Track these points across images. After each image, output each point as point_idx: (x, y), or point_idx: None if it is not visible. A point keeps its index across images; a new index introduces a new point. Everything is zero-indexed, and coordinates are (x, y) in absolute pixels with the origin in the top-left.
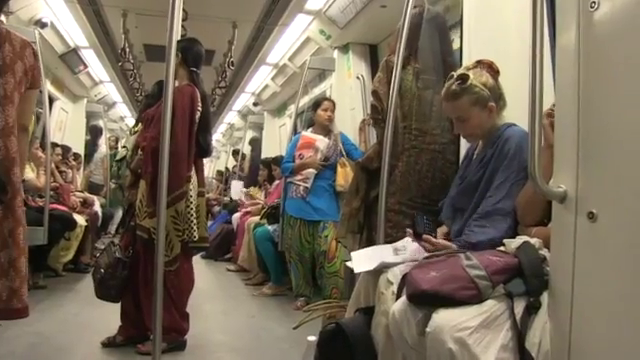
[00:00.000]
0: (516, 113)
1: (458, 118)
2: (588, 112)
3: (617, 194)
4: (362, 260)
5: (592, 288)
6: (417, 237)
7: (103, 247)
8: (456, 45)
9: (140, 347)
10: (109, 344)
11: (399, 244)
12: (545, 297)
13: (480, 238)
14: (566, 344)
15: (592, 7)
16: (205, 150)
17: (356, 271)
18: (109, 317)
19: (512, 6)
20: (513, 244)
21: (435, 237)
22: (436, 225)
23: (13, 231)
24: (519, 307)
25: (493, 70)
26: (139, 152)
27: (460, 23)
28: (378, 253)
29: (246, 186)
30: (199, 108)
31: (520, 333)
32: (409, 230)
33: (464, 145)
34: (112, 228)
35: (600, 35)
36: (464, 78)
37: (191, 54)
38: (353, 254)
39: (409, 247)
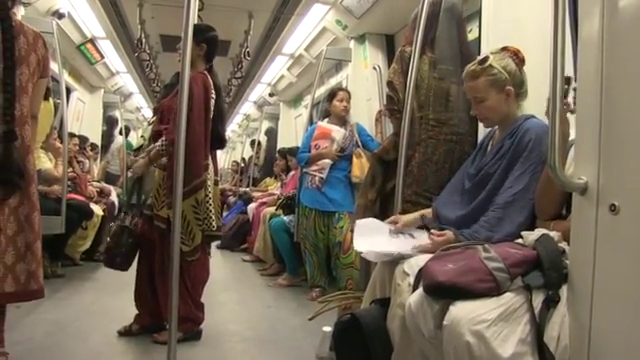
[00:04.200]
0: (535, 104)
1: (475, 98)
2: (611, 103)
3: None
4: (363, 233)
5: (613, 282)
6: (424, 229)
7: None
8: (474, 35)
9: (156, 336)
10: (125, 333)
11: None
12: (564, 290)
13: (496, 235)
14: (586, 339)
15: None
16: (220, 141)
17: (358, 249)
18: (125, 306)
19: None
20: (532, 236)
21: None
22: None
23: (29, 216)
24: (537, 300)
25: (518, 58)
26: (158, 142)
27: (479, 13)
28: (376, 229)
29: (262, 177)
30: (213, 96)
31: (538, 327)
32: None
33: (482, 136)
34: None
35: (625, 24)
36: (485, 59)
37: (213, 46)
38: (357, 223)
39: (408, 234)
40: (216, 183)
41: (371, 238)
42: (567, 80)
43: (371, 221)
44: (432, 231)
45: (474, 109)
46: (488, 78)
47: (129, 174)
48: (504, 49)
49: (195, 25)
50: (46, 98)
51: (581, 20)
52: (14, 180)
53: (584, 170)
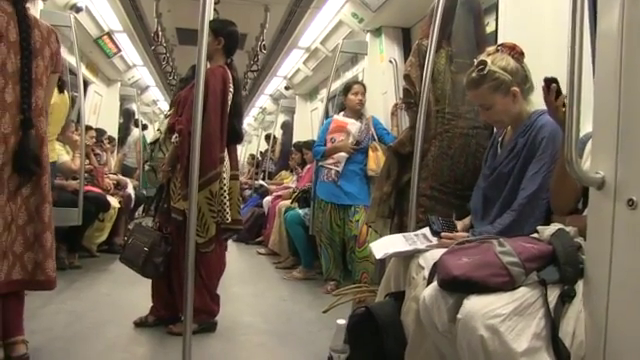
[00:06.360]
0: None
1: (482, 106)
2: (629, 96)
3: None
4: (380, 248)
5: (630, 277)
6: (436, 235)
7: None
8: (491, 28)
9: (171, 328)
10: (141, 324)
11: (411, 233)
12: (580, 286)
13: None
14: (602, 335)
15: None
16: (237, 135)
17: (377, 257)
18: (141, 297)
19: None
20: (547, 231)
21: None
22: (461, 214)
23: (39, 207)
24: (553, 295)
25: (517, 52)
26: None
27: (495, 6)
28: (391, 243)
29: (277, 170)
30: (231, 89)
31: (553, 322)
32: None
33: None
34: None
35: None
36: (483, 64)
37: (232, 40)
38: (372, 245)
39: (423, 236)
40: (235, 177)
41: (387, 246)
42: (555, 80)
43: (386, 239)
44: (442, 234)
45: (482, 116)
46: (491, 84)
47: (146, 167)
48: (501, 46)
49: (215, 19)
50: (61, 90)
51: (600, 13)
52: (30, 167)
53: (601, 164)
